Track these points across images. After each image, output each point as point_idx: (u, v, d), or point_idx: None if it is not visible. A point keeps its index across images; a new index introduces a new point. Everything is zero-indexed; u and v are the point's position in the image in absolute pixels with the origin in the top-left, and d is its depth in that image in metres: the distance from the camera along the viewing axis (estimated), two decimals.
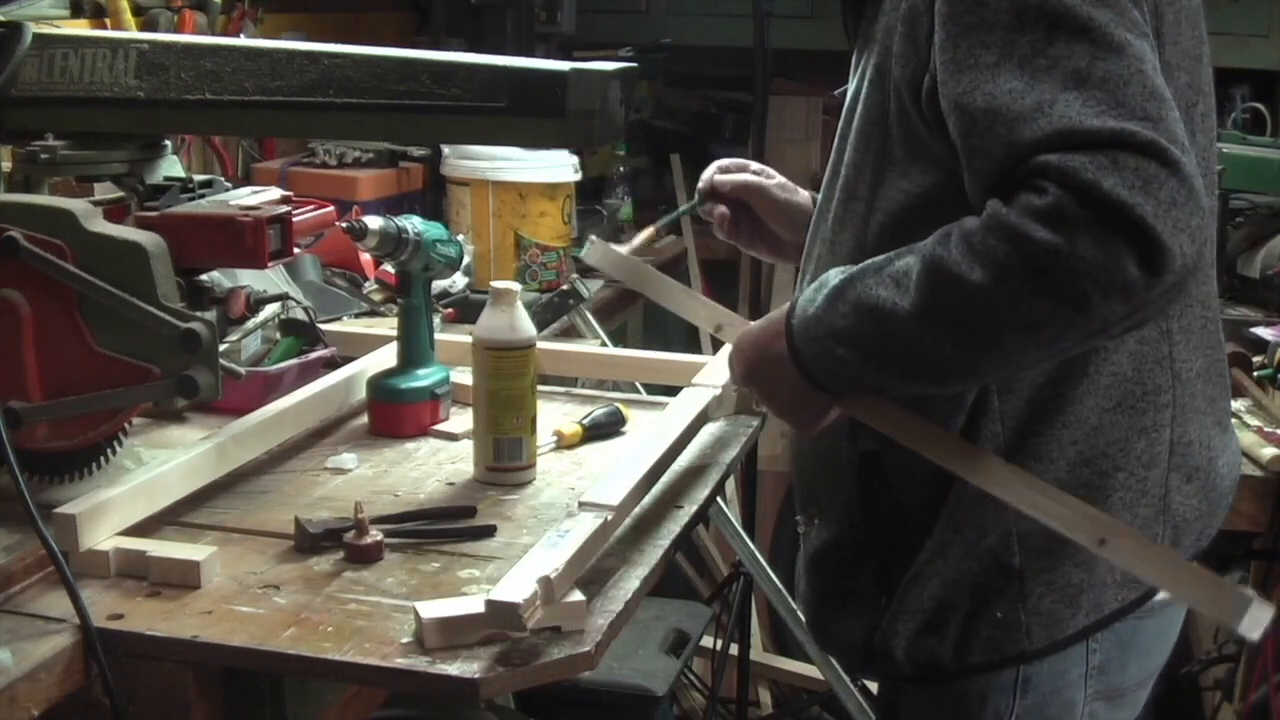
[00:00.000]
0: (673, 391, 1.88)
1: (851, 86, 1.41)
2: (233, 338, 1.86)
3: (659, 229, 1.81)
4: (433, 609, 1.25)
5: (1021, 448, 1.31)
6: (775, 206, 1.65)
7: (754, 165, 1.70)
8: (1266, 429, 2.15)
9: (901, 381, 1.24)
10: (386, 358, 1.91)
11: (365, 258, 2.51)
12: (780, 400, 1.34)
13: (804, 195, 1.66)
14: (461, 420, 1.80)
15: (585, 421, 1.82)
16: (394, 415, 1.81)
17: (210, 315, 1.44)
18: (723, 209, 1.67)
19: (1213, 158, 1.40)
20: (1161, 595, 1.37)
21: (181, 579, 1.35)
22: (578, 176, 2.76)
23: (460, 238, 2.36)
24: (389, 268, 2.01)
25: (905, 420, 1.32)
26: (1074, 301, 1.12)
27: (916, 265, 1.19)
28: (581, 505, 1.41)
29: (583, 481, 1.65)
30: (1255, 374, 2.32)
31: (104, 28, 2.32)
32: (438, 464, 1.72)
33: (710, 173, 1.68)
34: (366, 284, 2.53)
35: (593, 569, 1.36)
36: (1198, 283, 1.36)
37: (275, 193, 1.63)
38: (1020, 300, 1.13)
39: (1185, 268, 1.11)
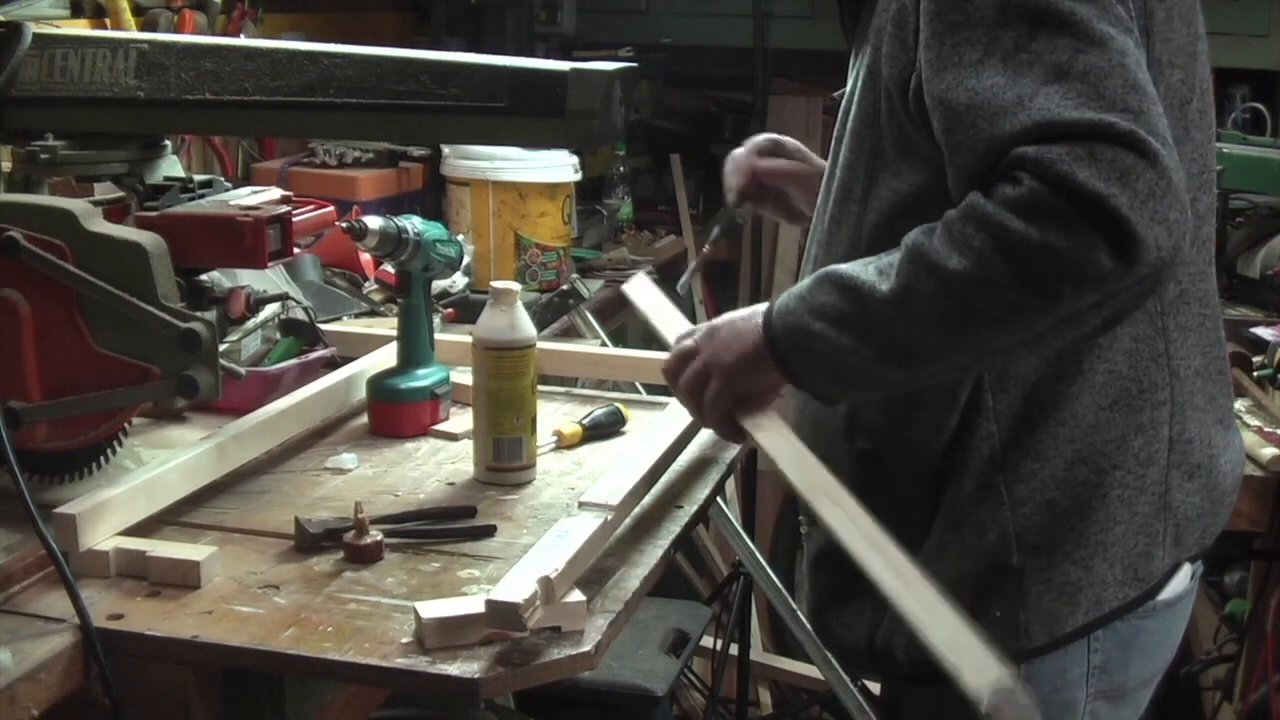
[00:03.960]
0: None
1: (848, 88, 1.42)
2: (233, 338, 1.86)
3: (713, 243, 1.78)
4: (433, 609, 1.25)
5: (1017, 446, 1.32)
6: (812, 193, 1.63)
7: (789, 145, 1.67)
8: (1266, 429, 2.15)
9: (873, 361, 1.23)
10: (386, 358, 1.91)
11: (365, 258, 2.51)
12: (727, 358, 1.32)
13: None
14: (461, 420, 1.80)
15: (585, 421, 1.82)
16: (394, 415, 1.81)
17: (210, 315, 1.44)
18: (758, 212, 1.67)
19: (1210, 155, 1.40)
20: (1164, 595, 1.37)
21: (181, 579, 1.35)
22: (578, 176, 2.76)
23: (460, 238, 2.36)
24: (389, 268, 2.01)
25: (799, 463, 1.29)
26: (1045, 291, 1.13)
27: (900, 254, 1.21)
28: (581, 505, 1.41)
29: (583, 481, 1.65)
30: (1255, 374, 2.32)
31: (104, 28, 2.33)
32: (438, 464, 1.72)
33: (746, 161, 1.65)
34: (366, 284, 2.53)
35: (593, 569, 1.36)
36: (1194, 280, 1.36)
37: (275, 193, 1.63)
38: (994, 288, 1.15)
39: (1160, 260, 1.12)
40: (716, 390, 1.34)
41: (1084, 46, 1.15)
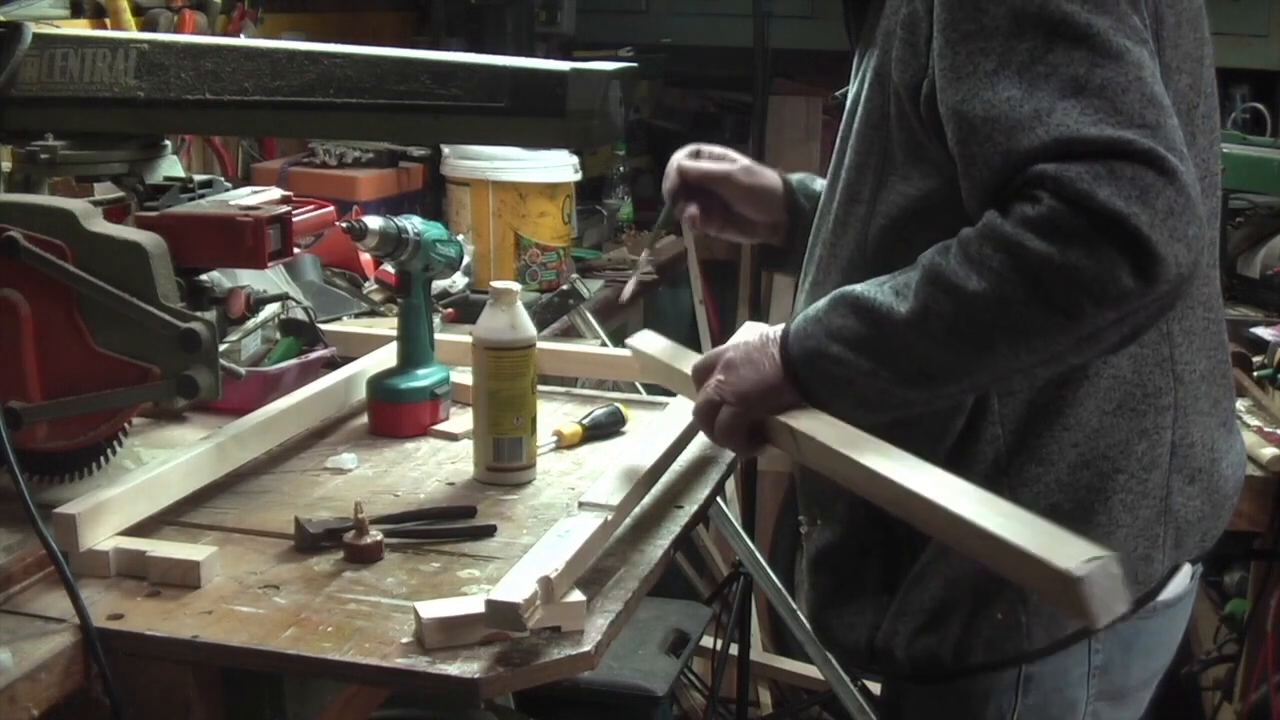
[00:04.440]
0: (673, 392, 1.88)
1: (853, 89, 1.42)
2: (233, 338, 1.86)
3: (653, 239, 1.81)
4: (433, 609, 1.25)
5: (1021, 450, 1.32)
6: (743, 191, 1.63)
7: (715, 150, 1.66)
8: (1266, 429, 2.15)
9: (893, 383, 1.24)
10: (386, 358, 1.91)
11: (365, 258, 2.51)
12: (744, 386, 1.32)
13: (770, 174, 1.65)
14: (461, 420, 1.80)
15: (585, 421, 1.82)
16: (394, 415, 1.81)
17: (210, 315, 1.44)
18: (693, 210, 1.63)
19: (1215, 159, 1.40)
20: (1164, 595, 1.38)
21: (181, 579, 1.35)
22: (578, 176, 2.76)
23: (460, 238, 2.36)
24: (389, 268, 2.01)
25: (835, 458, 1.26)
26: (1066, 310, 1.13)
27: (916, 275, 1.21)
28: (581, 505, 1.41)
29: (583, 481, 1.65)
30: (1255, 374, 2.32)
31: (104, 28, 2.32)
32: (438, 464, 1.72)
33: (673, 168, 1.64)
34: (366, 284, 2.53)
35: (593, 569, 1.36)
36: (1199, 285, 1.36)
37: (275, 193, 1.63)
38: (1014, 308, 1.15)
39: (1180, 276, 1.12)
40: (732, 414, 1.34)
41: (1101, 60, 1.14)
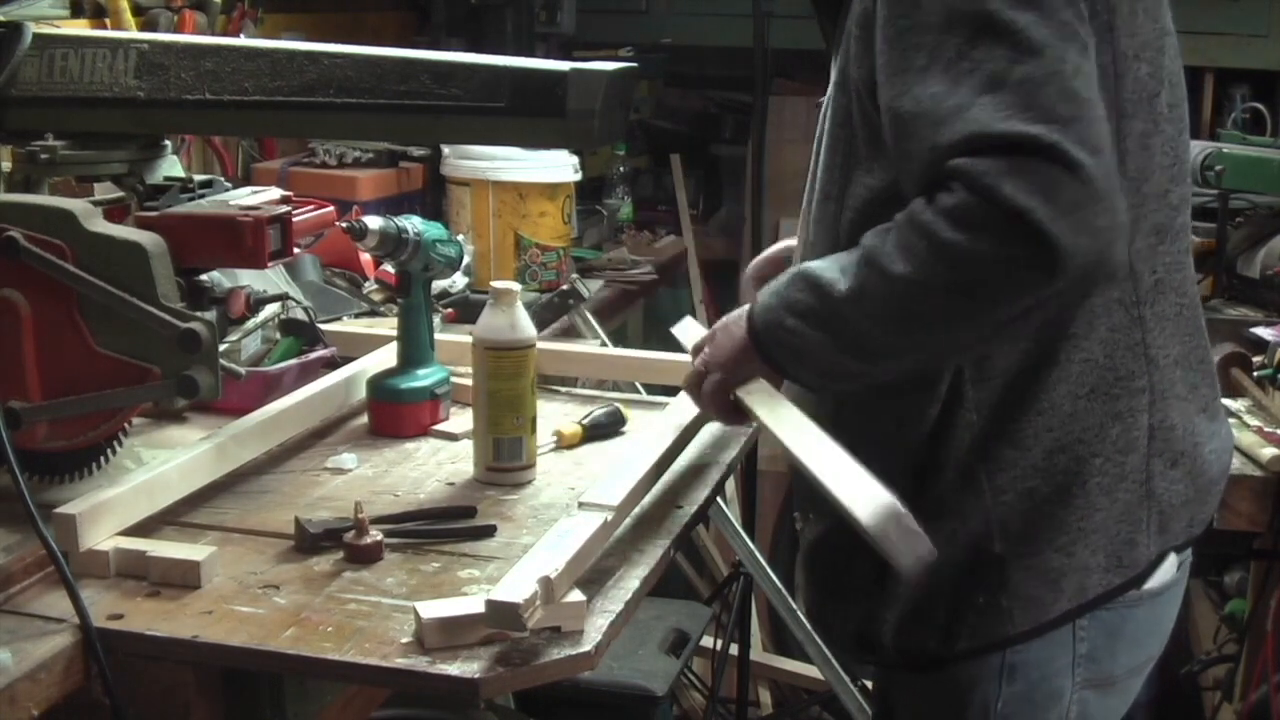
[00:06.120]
0: (673, 391, 1.88)
1: (829, 92, 1.44)
2: (233, 338, 1.86)
3: None
4: (433, 609, 1.25)
5: (998, 436, 1.33)
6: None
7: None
8: (1266, 429, 2.14)
9: (839, 354, 1.29)
10: (386, 358, 1.91)
11: (365, 258, 2.51)
12: (721, 355, 1.41)
13: None
14: (461, 420, 1.80)
15: (585, 421, 1.82)
16: (394, 415, 1.81)
17: (210, 315, 1.44)
18: None
19: (1183, 147, 1.42)
20: (1150, 584, 1.39)
21: (181, 579, 1.35)
22: (578, 176, 2.76)
23: (460, 238, 2.36)
24: (389, 268, 2.01)
25: (786, 431, 1.36)
26: (979, 297, 1.17)
27: (857, 254, 1.26)
28: (581, 505, 1.42)
29: (583, 481, 1.65)
30: (1255, 374, 2.32)
31: (104, 28, 2.32)
32: (438, 464, 1.72)
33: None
34: (366, 284, 2.53)
35: (593, 569, 1.37)
36: (1170, 271, 1.39)
37: (275, 193, 1.63)
38: (931, 293, 1.19)
39: (1084, 266, 1.14)
40: (713, 382, 1.42)
41: (1021, 56, 1.17)
